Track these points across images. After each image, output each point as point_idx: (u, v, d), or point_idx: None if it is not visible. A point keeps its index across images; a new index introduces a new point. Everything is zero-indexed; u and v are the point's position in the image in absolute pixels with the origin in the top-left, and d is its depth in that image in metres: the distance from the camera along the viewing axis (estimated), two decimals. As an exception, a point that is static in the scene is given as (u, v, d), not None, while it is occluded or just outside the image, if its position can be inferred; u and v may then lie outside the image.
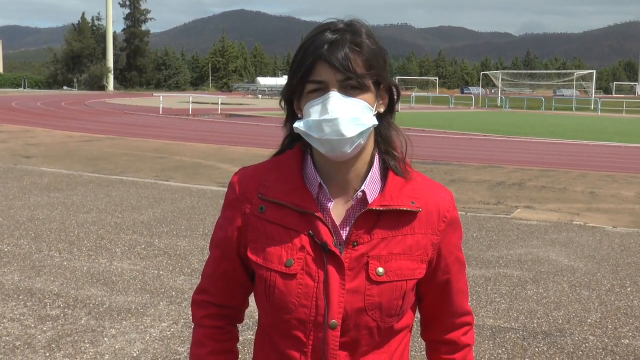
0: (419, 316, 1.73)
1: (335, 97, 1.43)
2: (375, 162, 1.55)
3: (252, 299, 1.68)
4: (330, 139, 1.43)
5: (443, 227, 1.57)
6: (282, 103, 1.57)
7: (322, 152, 1.48)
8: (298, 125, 1.48)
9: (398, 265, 1.51)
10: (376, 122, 1.48)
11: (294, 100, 1.54)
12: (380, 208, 1.50)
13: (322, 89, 1.44)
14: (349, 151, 1.46)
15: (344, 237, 1.52)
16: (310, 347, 1.52)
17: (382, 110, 1.54)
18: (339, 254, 1.49)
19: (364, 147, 1.51)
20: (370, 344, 1.54)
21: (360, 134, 1.45)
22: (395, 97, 1.56)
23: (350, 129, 1.43)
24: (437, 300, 1.65)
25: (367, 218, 1.50)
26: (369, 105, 1.47)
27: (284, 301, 1.51)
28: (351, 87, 1.44)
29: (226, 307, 1.67)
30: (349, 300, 1.49)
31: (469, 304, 1.72)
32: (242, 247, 1.58)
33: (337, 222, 1.52)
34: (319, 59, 1.44)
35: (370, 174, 1.53)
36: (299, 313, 1.50)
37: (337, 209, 1.53)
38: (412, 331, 1.68)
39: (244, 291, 1.66)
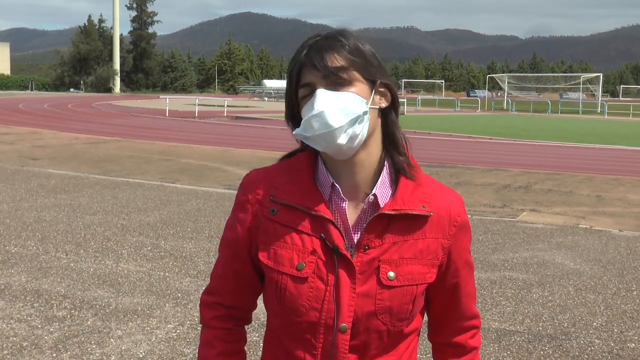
0: (427, 318, 1.74)
1: (321, 94, 1.45)
2: (385, 165, 1.55)
3: (259, 301, 1.70)
4: (321, 134, 1.44)
5: (454, 231, 1.57)
6: (291, 127, 1.59)
7: (321, 151, 1.50)
8: (296, 131, 1.51)
9: (409, 270, 1.52)
10: (366, 109, 1.47)
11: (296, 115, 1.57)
12: (392, 212, 1.50)
13: (312, 92, 1.48)
14: (344, 143, 1.45)
15: (355, 241, 1.52)
16: (320, 350, 1.52)
17: (383, 105, 1.54)
18: (350, 257, 1.50)
19: (368, 145, 1.51)
20: (380, 347, 1.55)
21: (351, 122, 1.44)
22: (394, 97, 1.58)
23: (337, 119, 1.43)
24: (446, 304, 1.65)
25: (379, 222, 1.51)
26: (360, 97, 1.47)
27: (295, 304, 1.51)
28: (337, 83, 1.47)
29: (235, 309, 1.67)
30: (360, 304, 1.50)
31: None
32: (253, 248, 1.59)
33: (349, 226, 1.53)
34: (301, 64, 1.49)
35: (380, 177, 1.54)
36: (309, 316, 1.51)
37: (348, 212, 1.54)
38: (420, 333, 1.69)
39: (253, 292, 1.67)
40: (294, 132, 1.51)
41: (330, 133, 1.44)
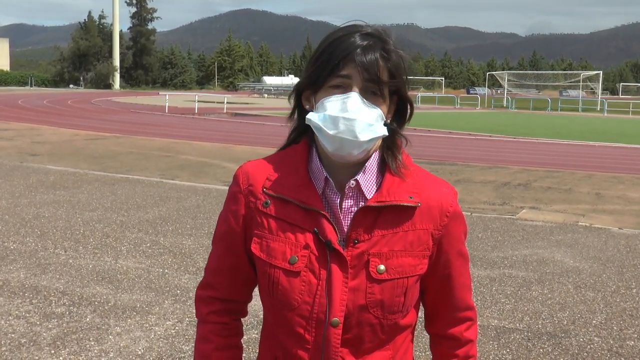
0: (423, 309, 1.73)
1: (356, 98, 1.45)
2: (374, 155, 1.55)
3: (257, 298, 1.69)
4: (343, 138, 1.44)
5: (446, 221, 1.56)
6: (292, 99, 1.59)
7: (329, 150, 1.48)
8: (312, 117, 1.49)
9: (399, 262, 1.52)
10: (387, 133, 1.50)
11: (304, 92, 1.55)
12: (378, 205, 1.50)
13: (345, 87, 1.46)
14: (356, 154, 1.47)
15: (345, 234, 1.52)
16: (312, 344, 1.52)
17: (388, 121, 1.54)
18: (342, 252, 1.49)
19: (368, 154, 1.52)
20: (374, 341, 1.54)
21: (371, 140, 1.46)
22: (409, 112, 1.58)
23: (364, 133, 1.44)
24: (440, 294, 1.65)
25: (366, 215, 1.51)
26: (383, 116, 1.49)
27: (287, 298, 1.51)
28: (372, 93, 1.47)
29: (231, 302, 1.67)
30: (351, 298, 1.49)
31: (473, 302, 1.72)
32: (247, 240, 1.59)
33: (341, 219, 1.53)
34: (349, 58, 1.46)
35: (366, 164, 1.53)
36: (301, 310, 1.51)
37: (340, 206, 1.54)
38: (417, 329, 1.68)
39: (248, 285, 1.67)
40: (307, 116, 1.50)
41: (352, 142, 1.45)
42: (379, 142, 1.53)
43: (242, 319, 1.73)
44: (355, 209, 1.52)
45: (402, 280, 1.52)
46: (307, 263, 1.50)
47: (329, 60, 1.47)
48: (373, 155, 1.55)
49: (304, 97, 1.55)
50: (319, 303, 1.50)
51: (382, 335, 1.54)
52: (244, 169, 1.61)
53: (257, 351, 1.73)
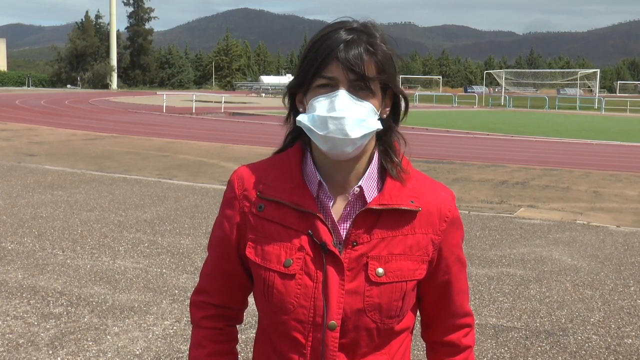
0: (420, 316, 1.72)
1: (343, 96, 1.42)
2: (374, 159, 1.54)
3: (252, 299, 1.68)
4: (333, 137, 1.43)
5: (445, 227, 1.55)
6: (286, 100, 1.57)
7: (323, 150, 1.47)
8: (302, 119, 1.47)
9: (398, 266, 1.50)
10: (380, 127, 1.48)
11: (297, 94, 1.54)
12: (379, 207, 1.49)
13: (331, 86, 1.44)
14: (350, 151, 1.45)
15: (343, 237, 1.51)
16: (309, 348, 1.51)
17: (384, 116, 1.53)
18: (338, 254, 1.48)
19: (365, 149, 1.50)
20: (370, 345, 1.53)
21: (364, 136, 1.44)
22: (404, 106, 1.55)
23: (355, 130, 1.42)
24: (438, 301, 1.63)
25: (367, 217, 1.49)
26: (375, 109, 1.46)
27: (283, 302, 1.50)
28: (360, 89, 1.44)
29: (225, 308, 1.66)
30: (348, 301, 1.48)
31: (471, 303, 1.71)
32: (242, 246, 1.57)
33: (337, 222, 1.51)
34: (332, 56, 1.43)
35: (368, 170, 1.52)
36: (297, 314, 1.49)
37: (336, 208, 1.52)
38: (414, 333, 1.68)
39: (243, 291, 1.65)
40: (298, 118, 1.48)
41: (343, 140, 1.43)
42: (374, 139, 1.52)
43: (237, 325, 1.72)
44: (354, 212, 1.51)
45: (400, 284, 1.51)
46: (303, 266, 1.49)
47: (313, 60, 1.45)
48: (373, 161, 1.54)
49: (297, 100, 1.54)
50: (316, 306, 1.48)
51: (378, 339, 1.53)
52: (238, 174, 1.59)
53: (252, 353, 1.71)
